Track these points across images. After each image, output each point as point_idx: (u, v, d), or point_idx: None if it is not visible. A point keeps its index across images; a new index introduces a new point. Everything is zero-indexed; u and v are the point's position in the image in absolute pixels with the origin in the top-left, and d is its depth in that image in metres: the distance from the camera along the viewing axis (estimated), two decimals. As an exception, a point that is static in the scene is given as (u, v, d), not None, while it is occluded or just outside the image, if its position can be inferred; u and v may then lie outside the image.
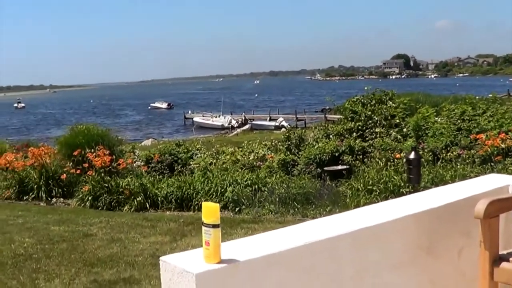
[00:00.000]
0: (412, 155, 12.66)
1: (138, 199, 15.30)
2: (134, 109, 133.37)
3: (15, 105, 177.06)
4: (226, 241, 2.87)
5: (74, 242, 11.48)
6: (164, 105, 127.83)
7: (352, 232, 3.37)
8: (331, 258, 3.25)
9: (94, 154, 16.89)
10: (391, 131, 18.85)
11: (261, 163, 17.24)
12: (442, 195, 4.27)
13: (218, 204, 2.76)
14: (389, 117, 19.66)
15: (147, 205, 15.24)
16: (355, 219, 3.63)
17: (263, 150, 19.08)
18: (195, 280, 2.61)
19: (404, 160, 13.65)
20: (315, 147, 17.45)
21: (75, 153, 17.73)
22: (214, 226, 2.71)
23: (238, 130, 62.75)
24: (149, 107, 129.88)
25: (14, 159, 19.00)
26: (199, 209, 14.36)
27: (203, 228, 2.72)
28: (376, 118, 19.47)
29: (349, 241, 3.36)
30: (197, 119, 78.93)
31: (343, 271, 3.33)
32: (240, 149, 19.78)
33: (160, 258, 2.81)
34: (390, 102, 20.55)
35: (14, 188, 18.08)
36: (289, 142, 18.70)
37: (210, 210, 2.72)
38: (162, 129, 78.90)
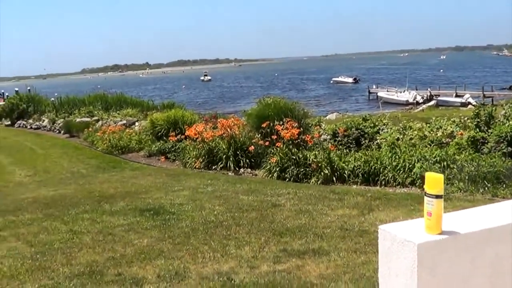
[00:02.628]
0: None
1: (325, 172, 15.35)
2: (318, 83, 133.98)
3: (202, 78, 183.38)
4: (445, 213, 2.82)
5: (263, 211, 11.69)
6: (350, 80, 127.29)
7: None
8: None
9: (283, 126, 17.12)
10: None
11: (450, 140, 16.84)
12: None
13: (442, 175, 2.72)
14: None
15: (334, 178, 15.26)
16: None
17: (451, 127, 18.62)
18: (417, 249, 2.60)
19: None
20: (506, 124, 16.82)
21: (264, 125, 18.00)
22: (438, 196, 2.68)
23: (424, 106, 61.10)
24: (331, 82, 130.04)
25: (204, 130, 19.58)
26: (386, 184, 14.31)
27: (426, 198, 2.70)
28: None
29: None
30: (381, 94, 78.30)
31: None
32: (428, 125, 19.41)
33: (379, 226, 2.82)
34: None
35: (204, 157, 18.70)
36: (478, 119, 18.10)
37: (434, 181, 2.70)
38: (346, 103, 78.86)
